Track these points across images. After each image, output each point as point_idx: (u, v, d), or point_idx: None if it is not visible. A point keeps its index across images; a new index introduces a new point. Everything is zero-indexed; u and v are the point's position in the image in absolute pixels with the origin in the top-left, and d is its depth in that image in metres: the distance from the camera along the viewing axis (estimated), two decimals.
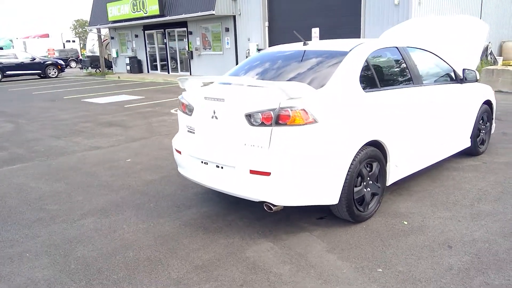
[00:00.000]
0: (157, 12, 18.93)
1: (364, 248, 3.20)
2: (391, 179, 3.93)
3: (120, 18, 21.53)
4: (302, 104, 3.10)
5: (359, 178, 3.53)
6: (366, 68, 3.70)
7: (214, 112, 3.49)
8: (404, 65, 4.16)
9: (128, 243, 3.42)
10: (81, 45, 46.25)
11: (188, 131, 3.84)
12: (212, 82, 4.05)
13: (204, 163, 3.56)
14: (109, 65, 26.84)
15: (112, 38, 25.36)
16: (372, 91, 3.64)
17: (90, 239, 3.50)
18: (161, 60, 22.45)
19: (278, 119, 3.11)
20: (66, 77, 25.15)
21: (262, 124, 3.18)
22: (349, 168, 3.35)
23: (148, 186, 4.77)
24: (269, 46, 16.73)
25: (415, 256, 3.06)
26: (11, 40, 46.84)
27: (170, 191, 4.55)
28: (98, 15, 23.61)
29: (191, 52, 19.90)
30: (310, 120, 3.10)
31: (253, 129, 3.23)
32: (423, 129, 4.21)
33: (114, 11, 21.70)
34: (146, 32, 22.49)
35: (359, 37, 13.70)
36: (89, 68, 27.43)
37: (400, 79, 4.07)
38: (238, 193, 3.37)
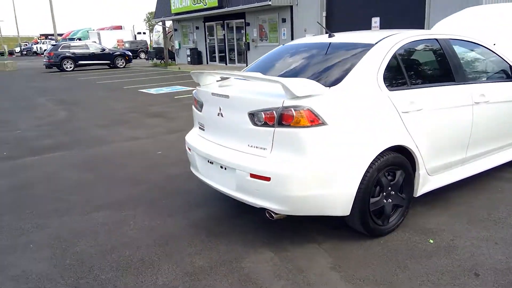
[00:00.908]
0: (216, 4, 19.03)
1: (374, 268, 2.83)
2: (421, 189, 3.48)
3: (182, 11, 21.96)
4: (309, 103, 2.78)
5: (377, 188, 3.14)
6: (393, 63, 3.28)
7: (220, 109, 3.27)
8: (444, 60, 3.65)
9: (129, 241, 3.32)
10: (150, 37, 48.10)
11: (199, 127, 3.67)
12: (228, 78, 3.83)
13: (210, 162, 3.36)
14: (172, 56, 27.59)
15: (175, 30, 26.00)
16: (399, 90, 3.21)
17: (95, 234, 3.46)
18: (220, 52, 22.63)
19: (281, 119, 2.82)
20: (133, 67, 26.20)
21: (265, 124, 2.91)
22: (364, 176, 2.98)
23: (169, 181, 4.67)
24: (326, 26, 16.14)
25: (432, 283, 2.65)
26: (87, 32, 49.91)
27: (188, 188, 4.42)
28: (163, 7, 24.26)
29: (248, 43, 19.83)
30: (317, 122, 2.78)
31: (256, 129, 2.97)
32: (465, 133, 3.69)
33: (177, 3, 22.16)
34: (206, 24, 22.76)
35: (423, 27, 12.75)
36: (154, 59, 28.37)
37: (437, 76, 3.59)
38: (239, 197, 3.14)
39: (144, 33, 50.63)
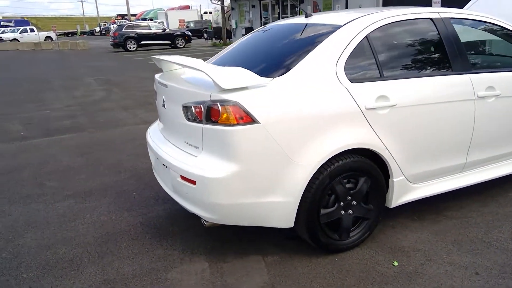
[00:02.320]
0: None
1: None
2: (399, 200, 2.94)
3: None
4: (237, 97, 2.37)
5: (332, 197, 2.68)
6: (362, 49, 2.74)
7: (163, 100, 2.96)
8: (438, 44, 3.02)
9: (73, 236, 3.17)
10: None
11: (159, 119, 3.40)
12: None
13: (156, 158, 3.09)
14: (230, 36, 27.48)
15: (232, 9, 25.78)
16: (365, 82, 2.68)
17: (46, 226, 3.35)
18: None
19: (209, 115, 2.45)
20: (192, 47, 26.49)
21: (196, 119, 2.56)
22: (310, 183, 2.53)
23: (151, 171, 4.48)
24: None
25: None
26: (157, 12, 51.42)
27: None
28: None
29: None
30: (247, 120, 2.37)
31: (189, 125, 2.62)
32: (464, 134, 3.05)
33: None
34: (261, 2, 22.24)
35: None
36: (213, 39, 28.47)
37: (425, 64, 2.96)
38: (176, 199, 2.84)
39: (210, 12, 51.12)
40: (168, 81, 2.87)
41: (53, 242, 3.09)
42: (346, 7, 16.38)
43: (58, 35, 50.16)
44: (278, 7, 21.02)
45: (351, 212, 2.75)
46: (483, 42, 3.38)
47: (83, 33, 58.63)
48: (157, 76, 3.20)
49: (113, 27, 61.70)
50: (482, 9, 4.56)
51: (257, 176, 2.44)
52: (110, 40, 26.10)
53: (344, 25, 2.79)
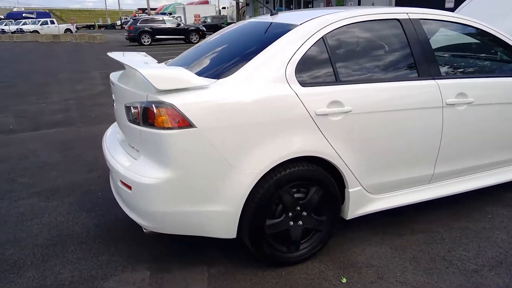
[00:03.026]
0: None
1: None
2: (357, 211, 2.78)
3: None
4: (173, 100, 2.24)
5: (280, 207, 2.53)
6: (317, 51, 2.58)
7: (113, 99, 2.86)
8: (404, 47, 2.82)
9: (24, 237, 3.10)
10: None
11: None
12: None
13: (107, 159, 2.99)
14: None
15: (247, 4, 25.62)
16: (318, 86, 2.52)
17: (4, 224, 3.29)
18: None
19: (146, 116, 2.33)
20: None
21: (135, 121, 2.44)
22: (253, 193, 2.40)
23: None
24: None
25: None
26: (175, 6, 51.60)
27: None
28: None
29: None
30: (183, 123, 2.24)
31: (130, 126, 2.51)
32: (430, 143, 2.87)
33: None
34: None
35: None
36: None
37: (388, 68, 2.77)
38: (119, 204, 2.74)
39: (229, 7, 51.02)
40: (116, 79, 2.76)
41: (3, 242, 3.03)
42: (359, 4, 16.05)
43: (79, 28, 51.00)
44: (292, 3, 20.77)
45: (301, 223, 2.60)
46: (458, 46, 3.17)
47: (101, 26, 59.27)
48: (112, 73, 3.10)
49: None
50: (473, 10, 4.31)
51: (195, 184, 2.31)
52: (125, 34, 26.25)
53: (300, 24, 2.63)
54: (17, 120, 6.80)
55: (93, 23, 60.62)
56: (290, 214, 2.55)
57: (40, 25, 39.43)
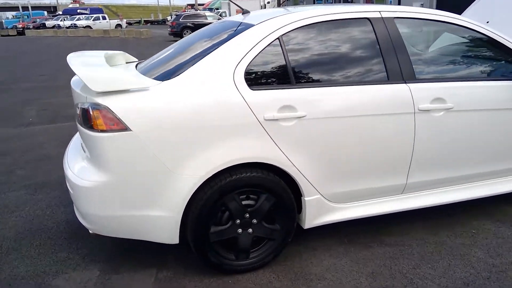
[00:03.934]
0: None
1: None
2: (317, 220, 2.64)
3: None
4: (108, 102, 2.20)
5: (226, 214, 2.44)
6: (272, 53, 2.45)
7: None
8: (373, 48, 2.62)
9: None
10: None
11: None
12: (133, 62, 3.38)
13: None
14: None
15: None
16: (269, 89, 2.39)
17: None
18: None
19: (85, 118, 2.31)
20: None
21: (79, 121, 2.43)
22: (194, 199, 2.33)
23: None
24: (436, 8, 13.96)
25: None
26: (220, 2, 51.99)
27: None
28: None
29: None
30: (118, 126, 2.20)
31: (79, 127, 2.50)
32: (401, 152, 2.66)
33: None
34: None
35: None
36: None
37: (353, 71, 2.57)
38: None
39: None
40: (74, 78, 2.76)
41: None
42: (399, 3, 15.39)
43: (132, 23, 52.76)
44: None
45: (251, 231, 2.50)
46: (439, 46, 2.90)
47: (152, 21, 60.89)
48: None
49: None
50: (481, 12, 3.96)
51: (132, 188, 2.27)
52: (169, 29, 26.81)
53: (256, 25, 2.51)
54: (39, 112, 7.10)
55: (140, 19, 62.39)
56: (238, 221, 2.45)
57: (93, 20, 41.17)
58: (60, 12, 54.05)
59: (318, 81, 2.49)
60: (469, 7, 4.61)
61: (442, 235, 2.91)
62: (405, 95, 2.57)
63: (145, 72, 2.61)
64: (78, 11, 47.25)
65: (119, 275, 2.60)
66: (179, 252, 2.77)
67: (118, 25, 41.42)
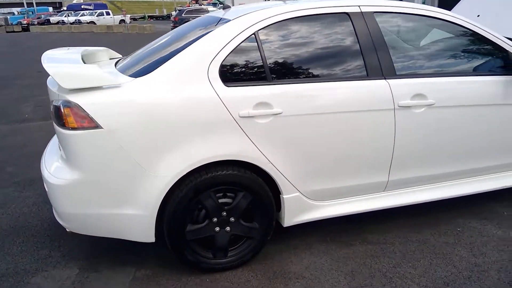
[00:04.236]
0: None
1: None
2: (292, 218, 2.60)
3: None
4: (78, 99, 2.18)
5: (203, 212, 2.43)
6: (247, 49, 2.41)
7: None
8: (351, 44, 2.58)
9: None
10: None
11: None
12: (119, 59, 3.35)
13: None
14: None
15: None
16: (244, 86, 2.36)
17: None
18: None
19: (57, 116, 2.29)
20: None
21: (53, 119, 2.41)
22: (169, 196, 2.31)
23: None
24: (438, 6, 13.83)
25: None
26: None
27: None
28: None
29: None
30: (89, 124, 2.18)
31: (54, 125, 2.48)
32: (381, 149, 2.62)
33: None
34: None
35: None
36: None
37: (330, 67, 2.53)
38: None
39: None
40: (50, 77, 2.74)
41: None
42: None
43: (137, 19, 52.70)
44: None
45: (229, 229, 2.48)
46: (421, 41, 2.85)
47: (156, 17, 60.88)
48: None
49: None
50: (472, 6, 3.89)
51: (104, 186, 2.26)
52: (171, 24, 26.78)
53: (232, 20, 2.48)
54: (35, 109, 7.11)
55: (143, 14, 62.38)
56: (215, 219, 2.43)
57: (97, 16, 41.17)
58: (65, 8, 54.15)
59: (294, 77, 2.46)
60: (461, 1, 4.53)
61: (425, 233, 2.87)
62: (384, 91, 2.53)
63: (123, 69, 2.59)
64: (82, 6, 47.27)
65: (98, 273, 2.59)
66: (159, 251, 2.76)
67: (122, 21, 41.39)
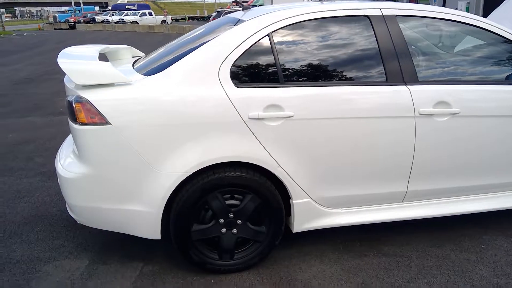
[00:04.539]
0: None
1: None
2: (303, 224, 2.53)
3: None
4: (89, 95, 2.20)
5: (209, 212, 2.40)
6: (261, 50, 2.36)
7: None
8: (371, 48, 2.48)
9: (7, 213, 3.32)
10: None
11: None
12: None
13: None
14: None
15: None
16: (256, 87, 2.32)
17: None
18: None
19: (71, 111, 2.32)
20: None
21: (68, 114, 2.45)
22: (176, 195, 2.30)
23: None
24: (483, 8, 13.32)
25: None
26: None
27: None
28: None
29: None
30: (99, 120, 2.19)
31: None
32: (400, 157, 2.51)
33: None
34: None
35: None
36: None
37: (348, 71, 2.44)
38: None
39: None
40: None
41: None
42: (443, 4, 14.76)
43: (178, 20, 53.79)
44: None
45: (236, 231, 2.43)
46: (449, 47, 2.69)
47: (191, 17, 62.03)
48: None
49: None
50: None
51: (112, 182, 2.27)
52: None
53: (246, 21, 2.44)
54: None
55: (184, 16, 63.57)
56: (222, 221, 2.40)
57: (140, 16, 42.32)
58: (110, 8, 56.00)
59: (308, 80, 2.39)
60: (498, 7, 4.30)
61: (446, 249, 2.72)
62: (404, 97, 2.42)
63: (141, 68, 2.60)
64: (126, 6, 48.74)
65: (107, 266, 2.61)
66: (168, 248, 2.75)
67: (164, 21, 42.33)
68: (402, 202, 2.65)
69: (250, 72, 2.34)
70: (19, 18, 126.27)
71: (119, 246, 2.82)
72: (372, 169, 2.49)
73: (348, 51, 2.46)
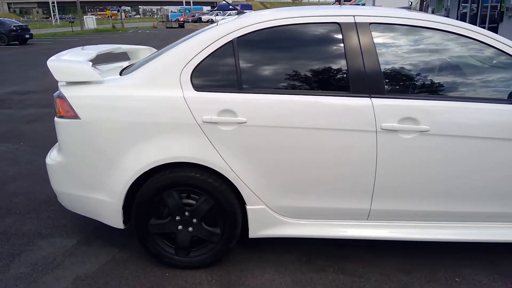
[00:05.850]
0: None
1: None
2: (258, 230, 2.55)
3: None
4: (65, 91, 2.49)
5: (167, 209, 2.55)
6: (222, 55, 2.43)
7: None
8: (338, 57, 2.40)
9: (33, 191, 3.83)
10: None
11: None
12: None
13: None
14: None
15: None
16: (213, 92, 2.40)
17: (34, 175, 4.13)
18: (471, 21, 19.07)
19: (55, 105, 2.63)
20: None
21: None
22: (134, 189, 2.50)
23: None
24: None
25: None
26: None
27: None
28: None
29: (502, 12, 15.90)
30: (71, 114, 2.47)
31: None
32: (361, 173, 2.41)
33: None
34: None
35: None
36: None
37: (308, 80, 2.39)
38: None
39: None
40: None
41: (22, 191, 3.81)
42: None
43: None
44: None
45: (191, 230, 2.56)
46: (426, 58, 2.44)
47: None
48: None
49: None
50: None
51: (81, 170, 2.54)
52: None
53: (215, 26, 2.54)
54: None
55: None
56: (178, 218, 2.54)
57: None
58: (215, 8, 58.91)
59: (266, 87, 2.40)
60: None
61: (414, 276, 2.53)
62: (364, 110, 2.31)
63: (133, 69, 2.83)
64: (230, 7, 50.84)
65: (88, 248, 2.90)
66: None
67: None
68: (367, 220, 2.53)
69: (210, 77, 2.42)
70: (141, 16, 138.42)
71: (108, 231, 3.10)
72: (330, 183, 2.42)
73: (313, 59, 2.41)
